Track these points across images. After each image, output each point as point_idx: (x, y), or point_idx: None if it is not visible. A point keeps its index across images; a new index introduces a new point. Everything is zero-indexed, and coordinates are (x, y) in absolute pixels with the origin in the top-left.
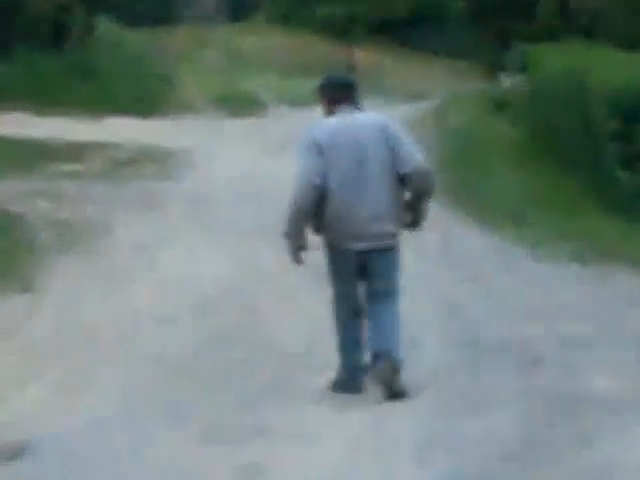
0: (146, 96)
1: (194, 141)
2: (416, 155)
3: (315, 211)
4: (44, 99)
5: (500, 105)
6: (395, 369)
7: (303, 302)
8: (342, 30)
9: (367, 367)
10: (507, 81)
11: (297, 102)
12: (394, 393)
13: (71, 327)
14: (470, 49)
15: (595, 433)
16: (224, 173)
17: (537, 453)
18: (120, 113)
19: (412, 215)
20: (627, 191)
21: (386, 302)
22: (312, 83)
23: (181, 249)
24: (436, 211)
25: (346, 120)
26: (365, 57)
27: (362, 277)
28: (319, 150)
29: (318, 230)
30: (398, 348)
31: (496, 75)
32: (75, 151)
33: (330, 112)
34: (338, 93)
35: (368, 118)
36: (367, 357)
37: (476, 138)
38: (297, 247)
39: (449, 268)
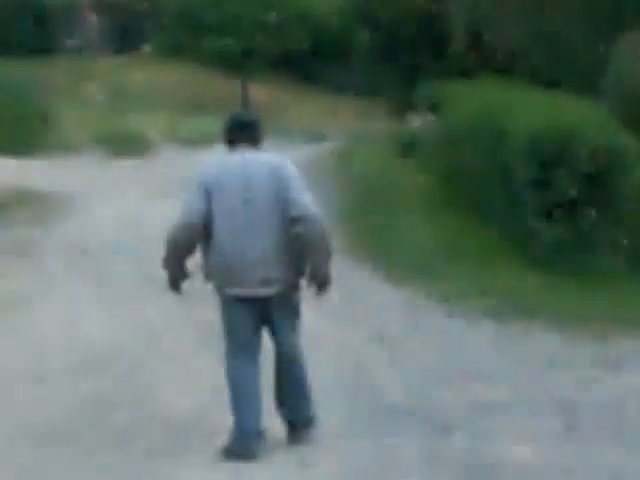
0: (21, 134)
1: (73, 184)
2: (304, 199)
3: (191, 252)
4: None
5: (409, 147)
6: (311, 431)
7: (191, 365)
8: (236, 64)
9: (262, 432)
10: (416, 121)
11: (188, 142)
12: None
13: None
14: (377, 86)
15: None
16: (106, 219)
17: None
18: None
19: (312, 273)
20: (546, 243)
21: (289, 352)
22: (204, 121)
23: (59, 303)
24: (340, 263)
25: (236, 159)
26: (262, 93)
27: (258, 325)
28: (205, 188)
29: (206, 276)
30: (311, 409)
31: (404, 115)
32: None
33: (230, 151)
34: (237, 132)
35: (260, 158)
36: (263, 420)
37: (383, 185)
38: (175, 278)
39: (354, 326)
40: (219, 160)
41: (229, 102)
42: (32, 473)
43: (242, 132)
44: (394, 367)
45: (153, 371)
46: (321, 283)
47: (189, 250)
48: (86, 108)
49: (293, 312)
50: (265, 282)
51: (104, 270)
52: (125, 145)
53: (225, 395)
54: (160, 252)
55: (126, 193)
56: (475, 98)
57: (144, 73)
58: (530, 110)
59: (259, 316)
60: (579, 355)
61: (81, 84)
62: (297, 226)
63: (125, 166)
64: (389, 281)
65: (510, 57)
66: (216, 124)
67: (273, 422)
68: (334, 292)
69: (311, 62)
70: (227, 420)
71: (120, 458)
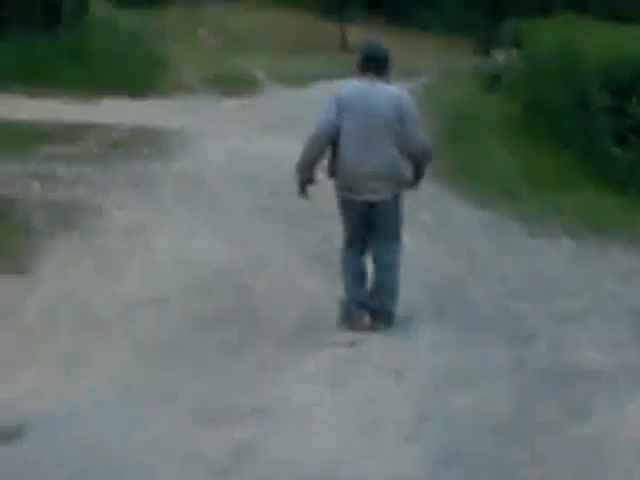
0: (139, 76)
1: (188, 121)
2: (422, 136)
3: (322, 157)
4: (36, 81)
5: (493, 81)
6: (390, 324)
7: (298, 283)
8: (334, 7)
9: (365, 303)
10: (500, 57)
11: (291, 80)
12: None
13: (65, 309)
14: (463, 25)
15: (587, 406)
16: (219, 153)
17: (528, 426)
18: (113, 94)
19: (417, 175)
20: (621, 166)
21: (387, 252)
22: (305, 61)
23: (175, 231)
24: (430, 187)
25: (365, 85)
26: (357, 34)
27: (367, 224)
28: (338, 104)
29: (332, 174)
30: (392, 304)
31: (489, 51)
32: (68, 133)
33: (361, 77)
34: (367, 62)
35: (385, 88)
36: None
37: (469, 115)
38: (305, 180)
39: (444, 244)
40: (351, 84)
41: (327, 43)
42: (148, 383)
43: (372, 63)
44: (480, 282)
45: (261, 290)
46: (418, 179)
47: (320, 155)
48: (198, 51)
49: (395, 218)
50: (373, 190)
51: (216, 199)
52: (234, 85)
53: (327, 311)
54: (268, 181)
55: (237, 129)
56: (556, 33)
57: (250, 18)
58: (604, 43)
59: (367, 217)
60: None
61: (194, 30)
62: (416, 157)
63: (235, 104)
64: (475, 203)
65: None
66: (315, 64)
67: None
68: (425, 213)
69: (402, 3)
70: (328, 334)
71: (230, 371)
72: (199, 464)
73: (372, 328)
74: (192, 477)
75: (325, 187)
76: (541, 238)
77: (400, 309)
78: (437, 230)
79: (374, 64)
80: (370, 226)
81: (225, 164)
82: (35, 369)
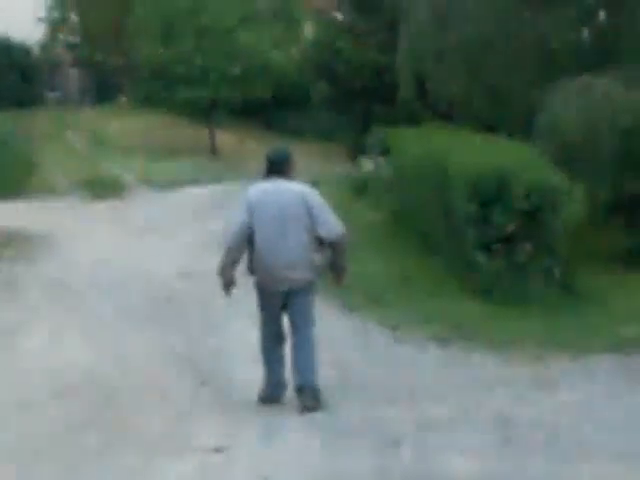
0: (7, 180)
1: (56, 224)
2: (334, 221)
3: (241, 255)
4: None
5: (361, 188)
6: (316, 398)
7: (165, 387)
8: (204, 113)
9: (286, 383)
10: (368, 164)
11: (160, 185)
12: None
13: None
14: (333, 132)
15: None
16: (87, 257)
17: None
18: None
19: (336, 266)
20: (486, 274)
21: (304, 333)
22: (175, 165)
23: (43, 334)
24: None
25: (272, 185)
26: (228, 140)
27: (284, 311)
28: (249, 206)
29: (251, 271)
30: (316, 379)
31: (357, 158)
32: None
33: (267, 179)
34: (271, 165)
35: (291, 185)
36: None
37: None
38: (227, 282)
39: None
40: (259, 186)
41: (197, 148)
42: None
43: (276, 166)
44: (347, 388)
45: (128, 395)
46: (342, 272)
47: (238, 256)
48: (67, 155)
49: (310, 303)
50: (293, 281)
51: (84, 303)
52: (103, 188)
53: (194, 415)
54: (136, 285)
55: (103, 233)
56: (421, 142)
57: (120, 122)
58: (470, 152)
59: (286, 305)
60: (516, 376)
61: (63, 133)
62: (335, 244)
63: (103, 208)
64: (343, 310)
65: (452, 104)
66: (185, 169)
67: None
68: None
69: (273, 110)
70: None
71: (95, 477)
72: None
73: (304, 409)
74: None
75: (189, 294)
76: (407, 345)
77: (265, 412)
78: None
79: (278, 167)
80: (289, 313)
81: (93, 268)
82: None
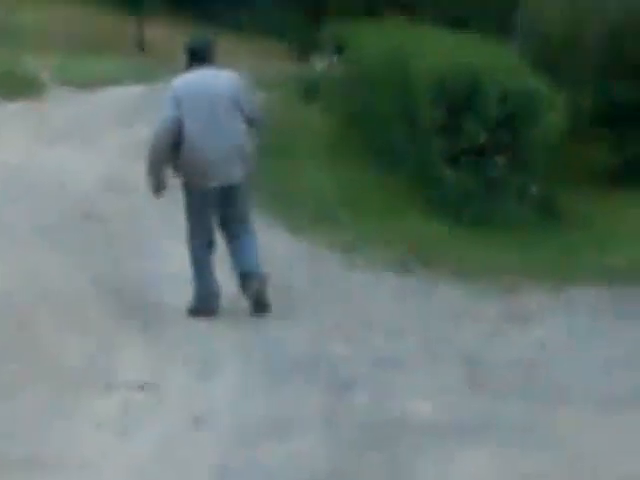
0: None
1: None
2: (255, 106)
3: (171, 153)
4: None
5: (311, 91)
6: (263, 283)
7: (86, 316)
8: (131, 2)
9: (219, 292)
10: (320, 63)
11: (80, 84)
12: (262, 306)
13: None
14: (280, 26)
15: (411, 460)
16: None
17: None
18: None
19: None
20: (453, 191)
21: (244, 229)
22: (98, 62)
23: None
24: None
25: (199, 74)
26: (158, 33)
27: (216, 212)
28: (177, 100)
29: (176, 171)
30: (261, 265)
31: (308, 56)
32: None
33: (189, 70)
34: (194, 55)
35: (217, 73)
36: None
37: (284, 129)
38: (156, 183)
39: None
40: (185, 77)
41: (123, 42)
42: None
43: (199, 55)
44: (295, 319)
45: (46, 323)
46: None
47: (168, 154)
48: None
49: (248, 200)
50: (227, 176)
51: None
52: (15, 87)
53: (118, 348)
54: (52, 198)
55: (16, 138)
56: (381, 39)
57: (36, 14)
58: (437, 51)
59: (222, 204)
60: (485, 308)
61: None
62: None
63: (14, 109)
64: (290, 230)
65: None
66: (109, 66)
67: None
68: None
69: (210, 0)
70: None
71: (2, 415)
72: None
73: (254, 296)
74: None
75: (112, 209)
76: (362, 271)
77: (199, 346)
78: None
79: (200, 55)
80: (224, 212)
81: (4, 177)
82: None
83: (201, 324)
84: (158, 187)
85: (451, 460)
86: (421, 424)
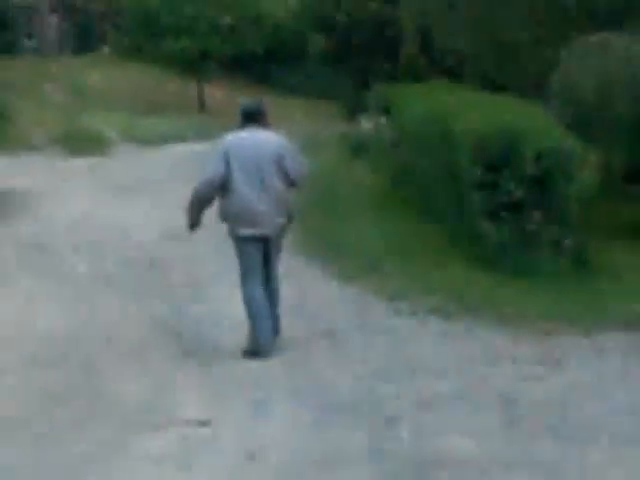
0: None
1: (33, 181)
2: (304, 165)
3: (209, 202)
4: None
5: (360, 149)
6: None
7: (146, 356)
8: (193, 66)
9: (272, 334)
10: (367, 124)
11: (144, 142)
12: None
13: None
14: (330, 89)
15: None
16: (64, 216)
17: None
18: None
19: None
20: (491, 243)
21: (275, 276)
22: (160, 122)
23: (16, 298)
24: (291, 261)
25: (248, 134)
26: (218, 95)
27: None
28: (226, 154)
29: (223, 219)
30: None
31: (356, 117)
32: None
33: (241, 129)
34: (246, 116)
35: (267, 135)
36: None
37: (334, 185)
38: (192, 222)
39: (304, 321)
40: (236, 134)
41: (185, 103)
42: None
43: (251, 116)
44: (342, 362)
45: (107, 364)
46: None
47: (208, 201)
48: (46, 107)
49: (281, 248)
50: (268, 225)
51: (61, 265)
52: (83, 144)
53: (178, 387)
54: (115, 248)
55: (82, 191)
56: (425, 101)
57: (102, 74)
58: (477, 113)
59: (262, 250)
60: (521, 352)
61: (41, 84)
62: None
63: (82, 164)
64: (339, 279)
65: (459, 61)
66: (172, 124)
67: None
68: (285, 287)
69: (266, 64)
70: (178, 412)
71: (70, 448)
72: None
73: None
74: None
75: (173, 258)
76: (407, 317)
77: (252, 385)
78: (297, 306)
79: (252, 116)
80: (264, 258)
81: (71, 228)
82: None
83: (255, 365)
84: (193, 226)
85: None
86: (461, 460)
